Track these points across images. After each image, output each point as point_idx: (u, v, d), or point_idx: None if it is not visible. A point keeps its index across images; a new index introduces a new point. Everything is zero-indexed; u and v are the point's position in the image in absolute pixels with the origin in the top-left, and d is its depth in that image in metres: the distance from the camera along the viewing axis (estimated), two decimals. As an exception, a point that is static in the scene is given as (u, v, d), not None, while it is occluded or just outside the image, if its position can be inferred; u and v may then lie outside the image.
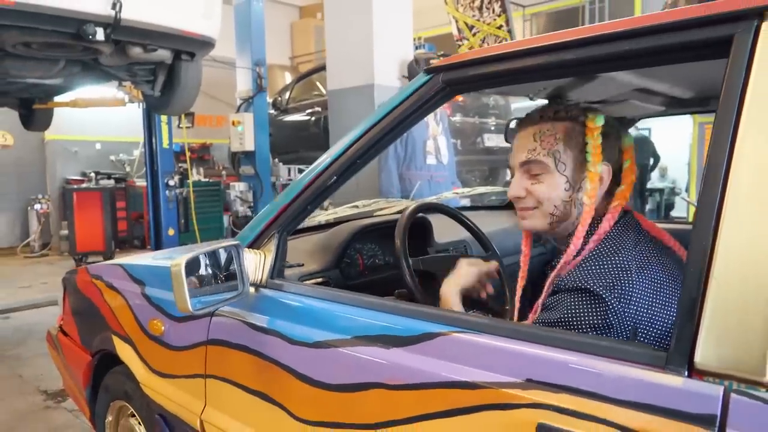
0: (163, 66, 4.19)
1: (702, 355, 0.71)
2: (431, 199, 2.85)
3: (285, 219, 1.32)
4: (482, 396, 0.88)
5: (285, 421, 1.19)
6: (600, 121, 1.14)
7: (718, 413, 0.68)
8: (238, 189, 6.27)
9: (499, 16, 8.43)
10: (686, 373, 0.73)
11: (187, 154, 6.76)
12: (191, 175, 7.06)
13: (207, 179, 8.79)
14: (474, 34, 8.84)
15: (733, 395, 0.68)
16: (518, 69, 1.04)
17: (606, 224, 1.11)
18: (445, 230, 1.91)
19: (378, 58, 4.01)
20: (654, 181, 10.72)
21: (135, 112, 6.58)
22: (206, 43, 3.98)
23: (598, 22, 7.60)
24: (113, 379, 1.86)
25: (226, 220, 8.05)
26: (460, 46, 9.10)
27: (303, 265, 1.56)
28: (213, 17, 3.96)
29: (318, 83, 7.73)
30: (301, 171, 6.84)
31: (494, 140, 6.37)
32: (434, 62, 1.25)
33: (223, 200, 9.24)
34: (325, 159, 1.29)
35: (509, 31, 8.39)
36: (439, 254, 1.72)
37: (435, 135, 4.07)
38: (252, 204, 6.26)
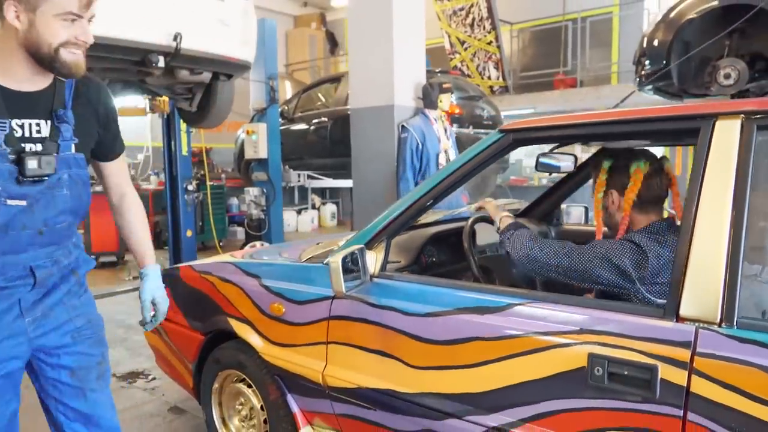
0: (201, 85, 4.67)
1: (683, 309, 1.28)
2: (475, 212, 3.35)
3: (391, 229, 1.86)
4: (551, 340, 1.41)
5: (400, 368, 1.68)
6: (605, 168, 1.75)
7: (692, 340, 1.24)
8: (252, 194, 6.71)
9: (489, 32, 9.12)
10: (674, 320, 1.29)
11: (204, 159, 7.18)
12: (208, 180, 7.49)
13: (211, 183, 9.19)
14: (465, 49, 9.51)
15: (701, 331, 1.25)
16: (563, 135, 1.72)
17: (623, 226, 1.72)
18: (484, 234, 2.47)
19: (397, 81, 4.54)
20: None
21: (139, 117, 6.95)
22: (244, 66, 4.48)
23: (579, 40, 8.23)
24: (224, 353, 2.28)
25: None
26: (452, 59, 9.72)
27: (400, 262, 2.11)
28: (250, 43, 4.46)
29: (320, 94, 8.24)
30: (310, 177, 7.32)
31: (487, 150, 6.93)
32: (506, 125, 1.76)
33: (225, 202, 9.68)
34: (421, 189, 1.82)
35: (498, 47, 9.05)
36: (489, 254, 2.29)
37: (446, 149, 4.62)
38: (265, 207, 6.70)
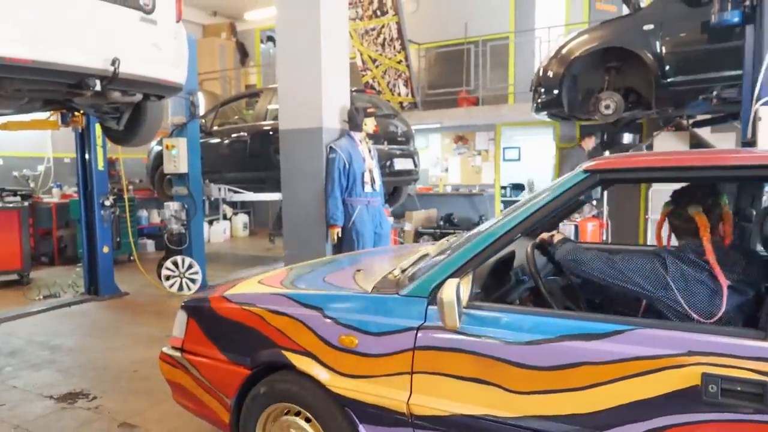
0: (130, 105, 4.72)
1: None
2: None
3: (477, 261, 1.90)
4: (662, 362, 1.52)
5: (499, 394, 1.72)
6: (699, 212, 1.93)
7: None
8: (172, 208, 6.69)
9: (399, 52, 9.66)
10: None
11: (123, 173, 7.06)
12: (126, 194, 7.35)
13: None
14: (377, 66, 9.99)
15: None
16: (649, 177, 2.06)
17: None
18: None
19: (325, 105, 4.87)
20: (524, 194, 12.45)
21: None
22: (176, 89, 4.61)
23: (480, 62, 8.95)
24: (276, 387, 2.20)
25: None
26: (364, 75, 10.15)
27: (480, 292, 2.07)
28: (182, 66, 4.59)
29: (237, 108, 8.35)
30: (232, 191, 7.40)
31: (401, 164, 7.40)
32: (590, 165, 1.84)
33: (135, 215, 9.47)
34: (507, 222, 1.87)
35: (408, 66, 9.60)
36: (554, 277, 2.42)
37: (370, 168, 5.01)
38: (185, 222, 6.71)
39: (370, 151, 5.09)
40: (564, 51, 5.49)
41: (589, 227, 6.23)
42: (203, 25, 12.97)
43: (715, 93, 4.39)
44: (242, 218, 12.21)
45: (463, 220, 9.98)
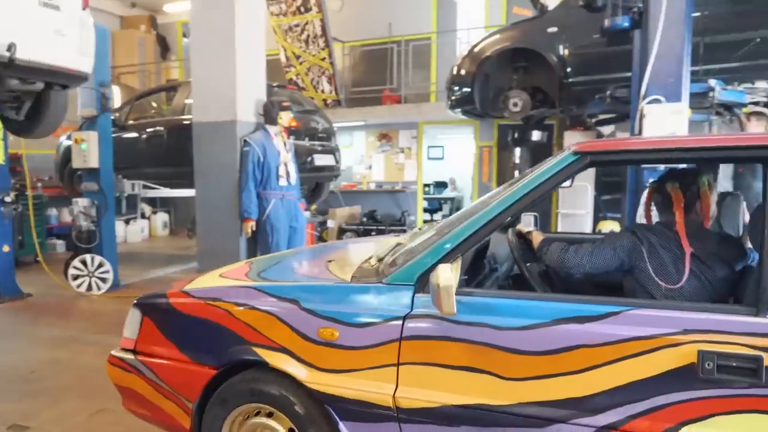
0: (31, 93, 4.50)
1: None
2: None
3: (466, 245, 1.83)
4: (659, 342, 1.54)
5: (493, 381, 1.69)
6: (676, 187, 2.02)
7: None
8: (81, 205, 6.42)
9: (323, 49, 9.69)
10: (766, 316, 1.48)
11: (26, 168, 6.70)
12: (30, 190, 6.96)
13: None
14: (301, 63, 9.97)
15: None
16: (639, 159, 1.99)
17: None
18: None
19: (239, 98, 4.84)
20: (447, 192, 12.79)
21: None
22: (81, 78, 4.44)
23: (403, 61, 9.12)
24: (244, 387, 2.04)
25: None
26: (288, 71, 10.10)
27: (467, 276, 2.02)
28: (88, 54, 4.43)
29: (154, 103, 8.10)
30: (146, 187, 7.17)
31: (322, 160, 7.43)
32: (581, 146, 1.81)
33: (43, 214, 8.98)
34: (497, 206, 1.82)
35: (332, 63, 9.64)
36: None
37: (286, 161, 5.02)
38: (95, 219, 6.46)
39: (285, 145, 5.09)
40: (476, 50, 5.71)
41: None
42: (121, 16, 12.47)
43: (608, 92, 4.71)
44: (162, 217, 11.83)
45: (386, 216, 10.13)
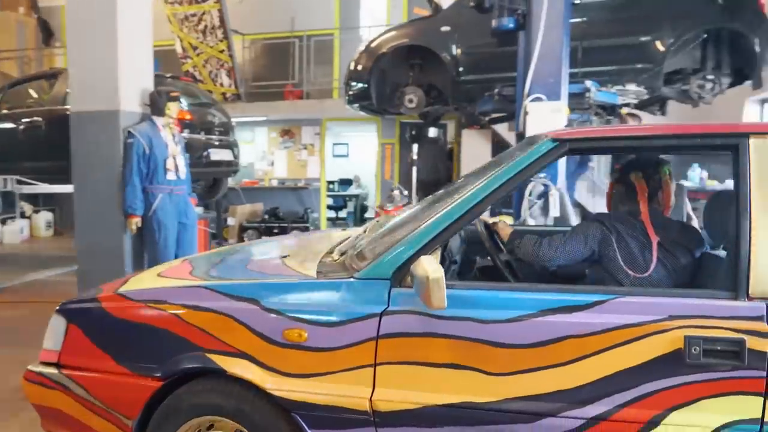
0: None
1: (752, 290, 1.53)
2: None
3: (445, 236, 1.76)
4: (646, 329, 1.54)
5: (478, 378, 1.62)
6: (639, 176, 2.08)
7: (764, 314, 1.50)
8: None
9: (221, 41, 9.37)
10: (745, 299, 1.53)
11: None
12: None
13: None
14: (198, 55, 9.60)
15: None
16: (618, 146, 1.91)
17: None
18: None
19: (122, 86, 4.54)
20: (352, 189, 12.82)
21: None
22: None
23: (305, 56, 9.01)
24: (195, 399, 1.86)
25: None
26: (184, 63, 9.68)
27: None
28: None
29: (32, 91, 7.46)
30: (20, 182, 6.61)
31: (219, 155, 7.18)
32: (558, 134, 1.80)
33: None
34: (475, 196, 1.74)
35: (231, 56, 9.35)
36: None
37: (174, 154, 4.78)
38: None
39: (174, 137, 4.86)
40: (373, 46, 5.75)
41: (401, 216, 6.59)
42: (-6, -4, 11.41)
43: (496, 91, 4.91)
44: (45, 216, 10.94)
45: (288, 213, 9.98)
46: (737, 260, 1.57)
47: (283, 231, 9.56)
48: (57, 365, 2.04)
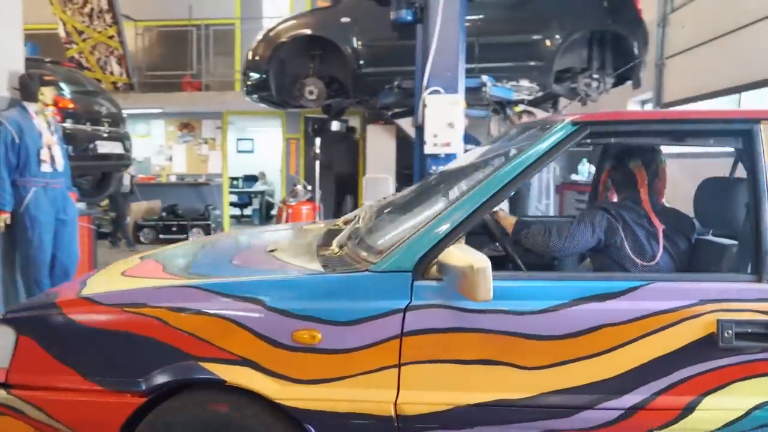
0: None
1: None
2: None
3: (467, 225, 1.65)
4: (680, 314, 1.54)
5: (512, 373, 1.56)
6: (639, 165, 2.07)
7: None
8: None
9: (110, 26, 8.75)
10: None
11: None
12: None
13: None
14: (84, 40, 8.89)
15: None
16: (640, 130, 1.82)
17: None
18: None
19: (-15, 68, 4.10)
20: (258, 186, 12.49)
21: None
22: None
23: (204, 46, 8.61)
24: (190, 413, 1.66)
25: None
26: (69, 48, 8.95)
27: None
28: None
29: None
30: None
31: (108, 147, 6.69)
32: (580, 117, 1.74)
33: None
34: (497, 182, 1.66)
35: (121, 42, 8.76)
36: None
37: (50, 144, 4.36)
38: None
39: (50, 126, 4.44)
40: (271, 34, 5.57)
41: (303, 211, 6.46)
42: None
43: (396, 83, 4.90)
44: None
45: (188, 211, 9.53)
46: (760, 244, 1.59)
47: (183, 229, 9.14)
48: (5, 386, 1.75)
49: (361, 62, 5.39)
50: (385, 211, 2.13)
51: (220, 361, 1.62)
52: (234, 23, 9.76)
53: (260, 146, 13.47)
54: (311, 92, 5.49)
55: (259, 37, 5.67)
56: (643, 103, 8.82)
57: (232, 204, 12.18)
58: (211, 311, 1.64)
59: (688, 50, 7.32)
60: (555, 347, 1.56)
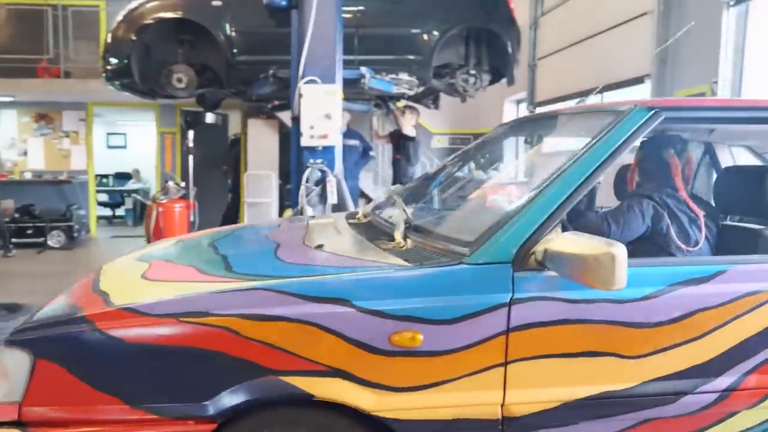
0: None
1: None
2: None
3: (562, 210, 1.58)
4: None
5: (615, 364, 1.53)
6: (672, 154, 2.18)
7: None
8: None
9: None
10: None
11: None
12: None
13: None
14: None
15: None
16: (716, 117, 1.92)
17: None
18: None
19: None
20: (131, 184, 11.62)
21: None
22: None
23: (62, 29, 7.79)
24: None
25: None
26: None
27: None
28: None
29: None
30: None
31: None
32: (654, 102, 1.77)
33: None
34: (582, 172, 1.61)
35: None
36: None
37: None
38: None
39: None
40: (134, 15, 5.09)
41: (176, 209, 6.02)
42: None
43: (271, 72, 4.66)
44: None
45: (47, 211, 8.56)
46: None
47: (40, 232, 8.22)
48: (17, 424, 1.44)
49: (235, 50, 5.08)
50: (424, 198, 2.17)
51: (306, 374, 1.46)
52: (99, 5, 8.93)
53: (134, 141, 12.56)
54: (180, 80, 5.08)
55: (120, 17, 5.16)
56: (519, 102, 9.24)
57: (102, 204, 11.22)
58: (293, 316, 1.45)
59: (557, 52, 7.74)
60: (655, 334, 1.57)
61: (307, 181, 4.24)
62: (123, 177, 11.93)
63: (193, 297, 1.51)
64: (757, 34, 4.59)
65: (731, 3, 4.68)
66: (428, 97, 6.50)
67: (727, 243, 2.14)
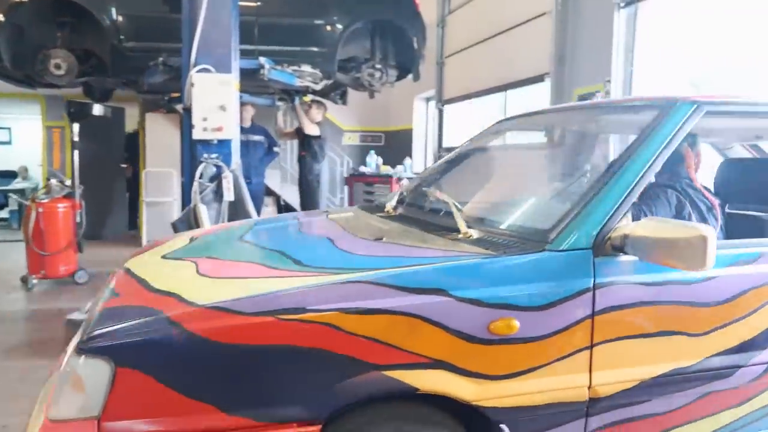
0: None
1: None
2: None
3: (630, 198, 1.65)
4: None
5: (683, 342, 1.65)
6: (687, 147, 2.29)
7: None
8: None
9: None
10: None
11: None
12: None
13: None
14: None
15: None
16: (754, 111, 1.99)
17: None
18: None
19: None
20: (16, 183, 10.67)
21: None
22: None
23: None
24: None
25: None
26: None
27: None
28: None
29: None
30: None
31: None
32: (695, 96, 1.82)
33: None
34: (640, 167, 1.67)
35: None
36: None
37: None
38: None
39: None
40: (3, -7, 4.58)
41: (59, 209, 5.49)
42: None
43: (161, 60, 4.34)
44: None
45: None
46: None
47: None
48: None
49: (122, 35, 4.69)
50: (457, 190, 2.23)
51: (409, 366, 1.44)
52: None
53: (19, 137, 11.55)
54: (58, 66, 4.62)
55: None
56: (428, 99, 9.30)
57: (-19, 205, 10.19)
58: (395, 308, 1.42)
59: (463, 50, 7.84)
60: (716, 312, 1.70)
61: (200, 177, 3.97)
62: (7, 176, 10.90)
63: (287, 293, 1.45)
64: (646, 35, 4.81)
65: (621, 5, 4.88)
66: (335, 92, 6.36)
67: (734, 229, 2.34)
